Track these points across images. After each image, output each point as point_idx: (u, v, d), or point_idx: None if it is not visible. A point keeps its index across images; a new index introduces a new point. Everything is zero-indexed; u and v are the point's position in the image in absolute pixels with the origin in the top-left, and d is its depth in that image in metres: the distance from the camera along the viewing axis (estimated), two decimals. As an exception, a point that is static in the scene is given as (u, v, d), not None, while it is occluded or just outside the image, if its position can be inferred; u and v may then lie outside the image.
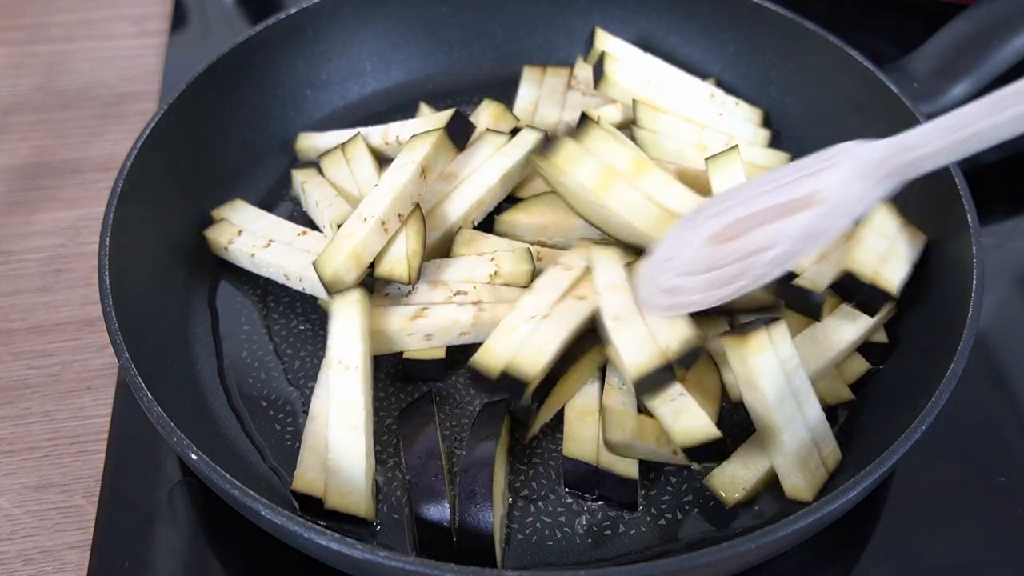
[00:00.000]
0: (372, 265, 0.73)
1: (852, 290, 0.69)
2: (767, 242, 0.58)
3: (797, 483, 0.64)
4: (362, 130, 0.86)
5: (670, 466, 0.68)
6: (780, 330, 0.64)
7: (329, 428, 0.65)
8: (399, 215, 0.73)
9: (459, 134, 0.78)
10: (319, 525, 0.54)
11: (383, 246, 0.73)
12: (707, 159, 0.75)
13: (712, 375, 0.70)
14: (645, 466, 0.68)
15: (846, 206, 0.56)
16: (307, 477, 0.65)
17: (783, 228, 0.57)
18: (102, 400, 0.76)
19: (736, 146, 0.76)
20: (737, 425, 0.68)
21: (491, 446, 0.65)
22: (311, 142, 0.88)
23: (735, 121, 0.87)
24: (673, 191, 0.73)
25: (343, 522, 0.64)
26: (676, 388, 0.65)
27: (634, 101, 0.84)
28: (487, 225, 0.80)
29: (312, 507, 0.64)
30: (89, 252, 0.87)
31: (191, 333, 0.75)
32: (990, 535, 0.68)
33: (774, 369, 0.64)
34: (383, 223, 0.72)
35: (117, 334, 0.63)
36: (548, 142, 0.73)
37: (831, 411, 0.71)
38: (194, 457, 0.57)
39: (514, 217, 0.79)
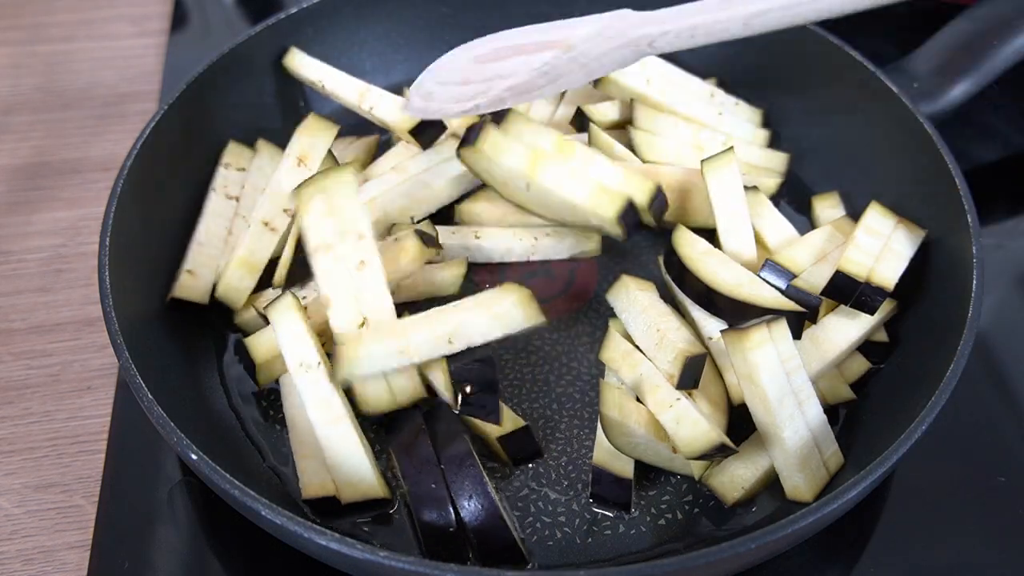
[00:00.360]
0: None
1: (847, 291, 0.69)
2: (512, 70, 0.65)
3: (798, 483, 0.64)
4: (342, 77, 0.86)
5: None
6: (780, 327, 0.64)
7: (315, 428, 0.64)
8: (284, 210, 0.75)
9: (427, 133, 0.80)
10: (321, 525, 0.54)
11: (276, 245, 0.75)
12: (702, 161, 0.75)
13: (719, 384, 0.70)
14: (645, 466, 0.68)
15: (587, 58, 0.64)
16: (314, 483, 0.64)
17: (528, 61, 0.65)
18: (102, 400, 0.76)
19: (731, 148, 0.75)
20: (737, 425, 0.68)
21: (463, 444, 0.65)
22: (296, 64, 0.89)
23: (734, 121, 0.87)
24: (600, 165, 0.74)
25: (363, 511, 0.64)
26: (674, 393, 0.65)
27: (632, 101, 0.84)
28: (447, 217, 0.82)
29: (328, 509, 0.64)
30: (89, 252, 0.87)
31: (191, 333, 0.75)
32: (990, 535, 0.68)
33: (774, 365, 0.64)
34: (265, 223, 0.75)
35: (117, 334, 0.63)
36: (471, 132, 0.73)
37: (832, 410, 0.71)
38: (194, 457, 0.57)
39: (473, 207, 0.81)
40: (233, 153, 0.84)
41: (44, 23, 1.13)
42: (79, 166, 0.96)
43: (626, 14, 0.65)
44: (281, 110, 0.91)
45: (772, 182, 0.84)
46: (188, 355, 0.73)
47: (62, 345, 0.80)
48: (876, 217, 0.74)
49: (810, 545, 0.65)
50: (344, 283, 0.67)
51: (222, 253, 0.77)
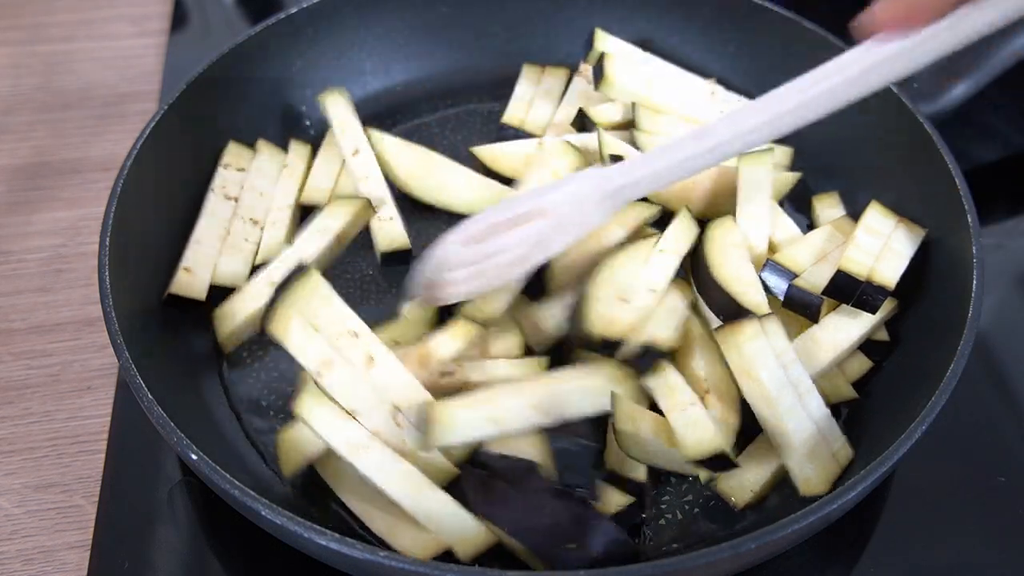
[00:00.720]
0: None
1: (848, 291, 0.69)
2: (504, 246, 0.67)
3: (810, 476, 0.64)
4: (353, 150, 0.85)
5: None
6: (772, 322, 0.65)
7: (401, 503, 0.61)
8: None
9: None
10: (319, 529, 0.54)
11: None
12: (740, 156, 0.76)
13: (733, 385, 0.68)
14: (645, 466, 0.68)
15: (569, 221, 0.67)
16: (419, 547, 0.61)
17: (516, 235, 0.67)
18: (102, 400, 0.76)
19: (771, 148, 0.77)
20: (742, 431, 0.68)
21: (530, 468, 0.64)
22: (336, 102, 0.87)
23: (735, 120, 0.87)
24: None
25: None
26: (689, 397, 0.65)
27: (634, 104, 0.84)
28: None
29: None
30: (89, 252, 0.87)
31: (191, 333, 0.75)
32: (990, 535, 0.68)
33: (769, 358, 0.64)
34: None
35: (117, 334, 0.63)
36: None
37: (833, 410, 0.70)
38: (194, 457, 0.57)
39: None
40: (233, 153, 0.84)
41: (44, 23, 1.13)
42: (79, 166, 0.96)
43: (593, 173, 0.68)
44: (281, 110, 0.91)
45: (789, 177, 0.84)
46: (188, 355, 0.73)
47: (62, 345, 0.80)
48: (876, 217, 0.74)
49: (810, 545, 0.65)
50: (362, 389, 0.64)
51: (219, 252, 0.77)
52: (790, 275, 0.72)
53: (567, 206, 0.66)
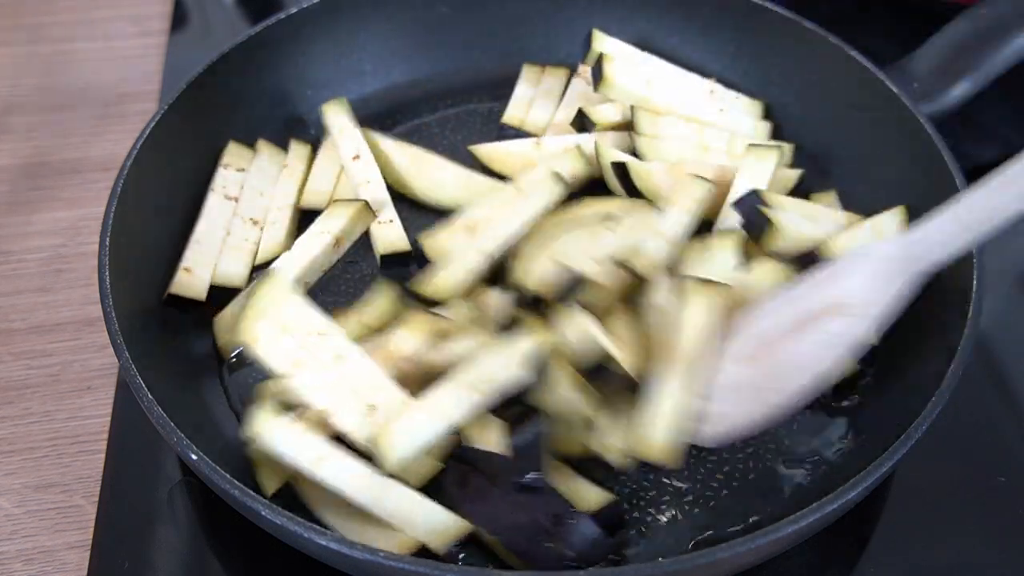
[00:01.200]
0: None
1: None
2: (808, 358, 0.58)
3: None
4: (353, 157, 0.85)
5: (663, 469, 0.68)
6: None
7: (372, 509, 0.60)
8: (305, 283, 0.76)
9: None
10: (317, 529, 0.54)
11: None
12: (749, 145, 0.78)
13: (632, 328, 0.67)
14: (645, 468, 0.68)
15: (870, 308, 0.57)
16: (396, 545, 0.60)
17: (815, 339, 0.57)
18: (102, 400, 0.76)
19: (779, 146, 0.79)
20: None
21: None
22: (336, 111, 0.87)
23: (736, 116, 0.87)
24: None
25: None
26: (587, 322, 0.65)
27: (633, 107, 0.84)
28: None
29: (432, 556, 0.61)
30: (89, 252, 0.87)
31: (191, 333, 0.75)
32: (990, 535, 0.68)
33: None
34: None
35: (117, 334, 0.63)
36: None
37: (834, 411, 0.71)
38: (194, 457, 0.57)
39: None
40: (233, 153, 0.84)
41: (44, 23, 1.13)
42: (79, 166, 0.96)
43: (874, 249, 0.59)
44: (281, 110, 0.91)
45: (791, 174, 0.84)
46: (188, 355, 0.73)
47: (62, 345, 0.80)
48: (890, 221, 0.75)
49: (810, 545, 0.65)
50: (333, 387, 0.64)
51: (219, 252, 0.77)
52: (759, 199, 0.73)
53: (868, 293, 0.57)
